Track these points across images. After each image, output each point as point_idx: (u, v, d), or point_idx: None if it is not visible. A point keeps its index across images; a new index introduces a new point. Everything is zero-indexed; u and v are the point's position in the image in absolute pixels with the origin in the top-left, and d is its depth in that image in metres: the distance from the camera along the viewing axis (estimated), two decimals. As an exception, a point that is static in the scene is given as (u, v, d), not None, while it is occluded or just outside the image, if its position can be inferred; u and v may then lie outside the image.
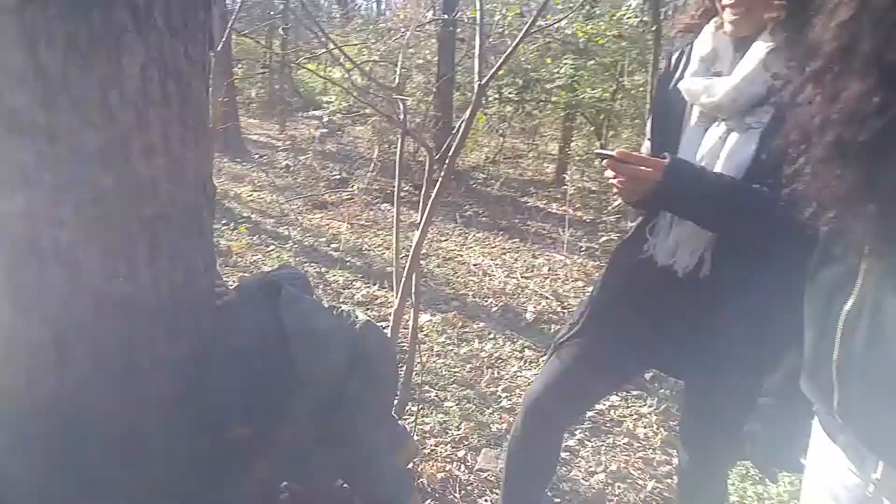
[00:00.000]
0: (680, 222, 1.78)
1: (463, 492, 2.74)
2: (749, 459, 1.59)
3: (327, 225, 6.49)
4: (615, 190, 1.73)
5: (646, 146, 1.92)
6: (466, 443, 3.09)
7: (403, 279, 2.83)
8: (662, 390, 3.60)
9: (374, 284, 4.93)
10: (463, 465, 2.92)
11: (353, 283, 5.05)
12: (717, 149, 1.67)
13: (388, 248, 5.73)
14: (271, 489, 1.99)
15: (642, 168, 1.62)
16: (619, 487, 2.88)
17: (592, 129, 7.07)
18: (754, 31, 1.62)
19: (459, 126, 2.74)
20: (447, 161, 2.67)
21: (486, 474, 2.84)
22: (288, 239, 5.83)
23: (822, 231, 1.22)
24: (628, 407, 3.49)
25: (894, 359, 1.04)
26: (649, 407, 3.47)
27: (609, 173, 1.70)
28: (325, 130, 9.38)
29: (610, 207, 5.85)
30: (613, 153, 1.67)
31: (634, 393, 3.60)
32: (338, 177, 8.28)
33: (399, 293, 2.90)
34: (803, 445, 1.42)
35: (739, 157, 1.63)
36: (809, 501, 1.37)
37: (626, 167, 1.64)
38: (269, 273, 2.06)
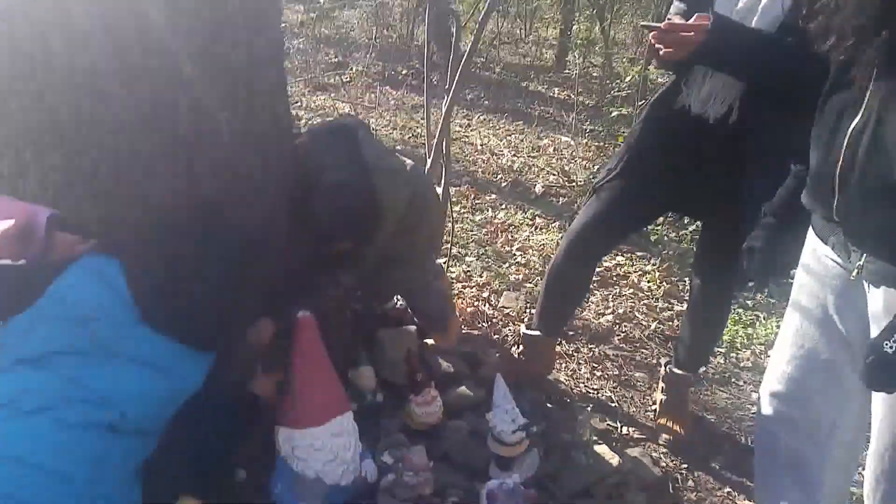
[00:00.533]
0: (713, 75, 1.99)
1: (489, 323, 3.06)
2: (747, 273, 1.87)
3: (332, 106, 6.54)
4: (660, 55, 1.91)
5: (676, 6, 2.08)
6: (489, 287, 3.39)
7: (434, 148, 3.04)
8: (665, 251, 3.90)
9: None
10: (487, 304, 3.24)
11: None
12: (753, 5, 1.85)
13: (395, 129, 5.84)
14: (347, 300, 2.26)
15: (687, 34, 1.80)
16: (625, 326, 3.23)
17: (594, 11, 7.03)
18: None
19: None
20: (477, 28, 2.82)
21: (507, 310, 3.16)
22: (298, 119, 5.90)
23: (835, 63, 1.45)
24: (633, 265, 3.80)
25: (889, 165, 1.29)
26: (653, 265, 3.78)
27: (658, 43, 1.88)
28: (313, 15, 9.19)
29: (613, 92, 5.96)
30: (660, 25, 1.86)
31: (639, 253, 3.91)
32: (335, 60, 8.22)
33: (430, 158, 3.10)
34: (793, 260, 1.71)
35: (772, 13, 1.82)
36: (800, 294, 1.67)
37: (672, 35, 1.83)
38: (337, 119, 2.22)
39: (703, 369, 2.92)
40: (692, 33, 1.79)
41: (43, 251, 1.41)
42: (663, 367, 2.61)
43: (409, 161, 2.30)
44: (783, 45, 1.78)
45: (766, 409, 1.77)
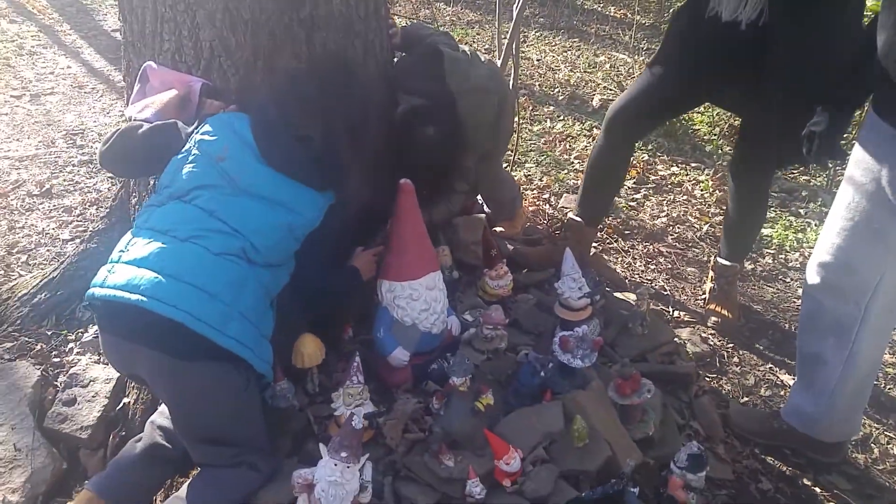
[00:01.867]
0: None
1: (549, 220, 3.27)
2: (807, 156, 2.03)
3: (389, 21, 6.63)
4: None
5: None
6: (549, 190, 3.59)
7: (504, 50, 3.19)
8: (719, 162, 4.02)
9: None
10: (548, 204, 3.45)
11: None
12: None
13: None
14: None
15: None
16: (678, 228, 3.40)
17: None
18: None
19: None
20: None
21: (567, 210, 3.36)
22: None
23: None
24: (687, 174, 3.94)
25: None
26: (706, 175, 3.91)
27: None
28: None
29: (671, 11, 5.90)
30: None
31: (693, 164, 4.03)
32: (390, -21, 8.21)
33: (502, 58, 3.26)
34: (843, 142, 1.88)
35: None
36: (855, 170, 1.83)
37: None
38: (427, 37, 2.35)
39: (751, 266, 3.11)
40: None
41: (196, 114, 1.68)
42: (712, 260, 2.81)
43: (488, 61, 2.46)
44: None
45: (814, 278, 1.95)
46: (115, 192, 2.67)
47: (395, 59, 2.34)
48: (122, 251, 1.59)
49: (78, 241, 3.03)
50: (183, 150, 1.68)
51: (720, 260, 2.72)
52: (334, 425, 1.78)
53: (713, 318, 2.67)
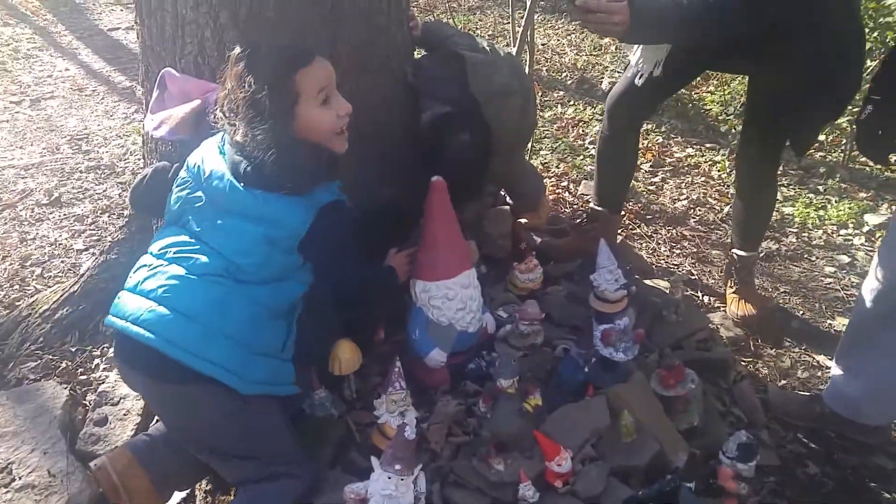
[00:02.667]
0: None
1: (570, 208, 3.23)
2: (859, 147, 1.98)
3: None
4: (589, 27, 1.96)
5: None
6: (567, 177, 3.54)
7: (518, 39, 3.13)
8: (734, 141, 3.97)
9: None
10: (567, 192, 3.40)
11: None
12: None
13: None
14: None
15: (608, 18, 1.81)
16: (699, 210, 3.36)
17: None
18: None
19: None
20: None
21: (586, 197, 3.32)
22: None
23: None
24: (703, 155, 3.89)
25: None
26: (722, 155, 3.87)
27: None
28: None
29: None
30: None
31: (708, 145, 3.98)
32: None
33: (517, 48, 3.20)
34: None
35: None
36: None
37: (594, 16, 1.84)
38: (449, 37, 2.29)
39: (776, 246, 3.07)
40: (615, 18, 1.81)
41: (210, 129, 1.63)
42: (729, 255, 2.73)
43: (507, 55, 2.40)
44: (705, 4, 1.85)
45: (881, 271, 1.88)
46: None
47: (417, 56, 2.29)
48: (129, 276, 1.62)
49: (93, 250, 2.99)
50: (179, 174, 1.67)
51: (735, 252, 2.62)
52: (377, 433, 1.74)
53: (737, 316, 2.59)
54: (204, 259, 1.53)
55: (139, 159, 3.77)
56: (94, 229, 3.21)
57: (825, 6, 1.99)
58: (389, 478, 1.37)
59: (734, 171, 2.54)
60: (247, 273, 1.54)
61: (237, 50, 1.56)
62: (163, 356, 1.46)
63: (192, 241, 1.57)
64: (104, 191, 3.55)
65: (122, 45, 5.63)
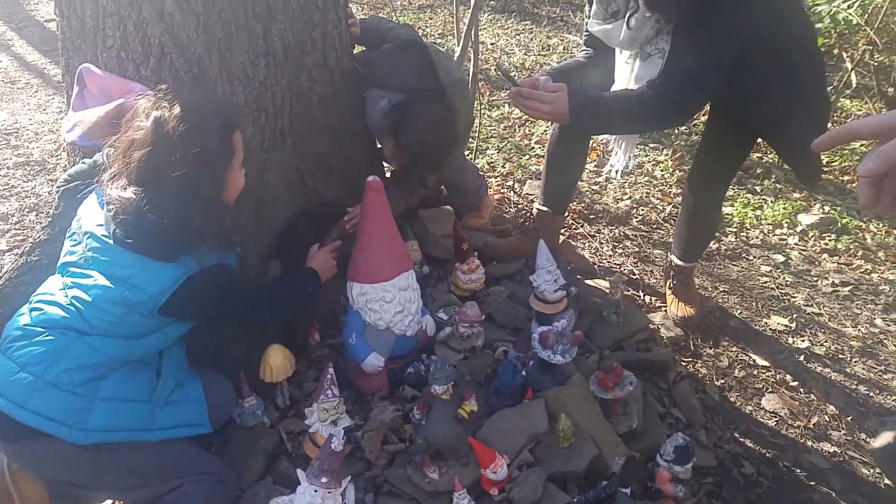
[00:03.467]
0: None
1: (515, 208, 3.23)
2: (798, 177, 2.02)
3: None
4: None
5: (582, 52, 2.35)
6: (512, 177, 3.54)
7: (463, 37, 3.10)
8: (677, 141, 4.04)
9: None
10: (512, 192, 3.40)
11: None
12: (626, 71, 2.08)
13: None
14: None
15: (539, 105, 1.86)
16: (641, 210, 3.40)
17: None
18: None
19: None
20: None
21: (531, 197, 3.32)
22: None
23: None
24: (647, 155, 3.94)
25: None
26: (665, 155, 3.92)
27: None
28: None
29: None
30: (515, 80, 1.91)
31: (652, 144, 4.04)
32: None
33: (461, 45, 3.17)
34: None
35: (643, 76, 1.98)
36: None
37: (528, 102, 1.89)
38: (390, 30, 2.27)
39: (715, 246, 3.13)
40: (545, 108, 1.87)
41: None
42: (667, 260, 2.75)
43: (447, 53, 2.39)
44: (642, 101, 1.91)
45: None
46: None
47: (357, 52, 2.24)
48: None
49: (16, 251, 2.84)
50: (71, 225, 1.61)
51: (674, 259, 2.63)
52: (308, 442, 1.70)
53: (678, 314, 2.62)
54: (56, 312, 1.49)
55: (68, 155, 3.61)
56: (18, 228, 3.05)
57: (786, 56, 1.93)
58: (316, 491, 1.32)
59: (683, 187, 2.51)
60: (93, 327, 1.48)
61: (150, 103, 1.49)
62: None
63: (55, 293, 1.53)
64: (32, 188, 3.38)
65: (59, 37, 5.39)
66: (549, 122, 2.63)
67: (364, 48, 2.28)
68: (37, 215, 3.14)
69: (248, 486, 1.66)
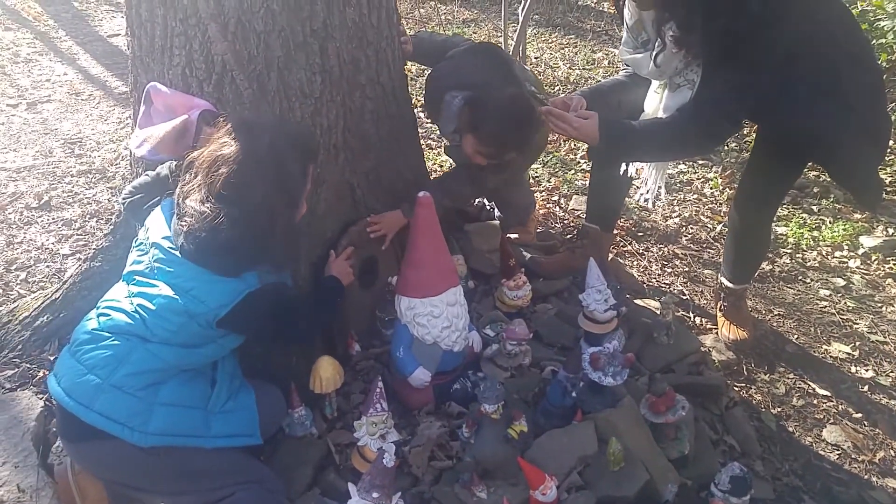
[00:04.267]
0: None
1: (561, 223, 3.20)
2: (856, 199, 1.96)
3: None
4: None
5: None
6: (558, 192, 3.52)
7: (511, 52, 3.10)
8: (727, 159, 3.95)
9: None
10: (558, 206, 3.37)
11: (425, 71, 5.25)
12: (655, 100, 2.09)
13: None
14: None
15: (571, 130, 1.90)
16: (691, 228, 3.33)
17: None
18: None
19: None
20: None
21: (577, 212, 3.29)
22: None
23: None
24: (696, 172, 3.87)
25: None
26: (715, 172, 3.84)
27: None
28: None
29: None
30: (549, 107, 1.94)
31: (701, 161, 3.96)
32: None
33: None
34: None
35: (671, 106, 1.99)
36: None
37: (559, 123, 1.92)
38: (443, 42, 2.36)
39: (769, 267, 3.04)
40: (573, 131, 1.91)
41: (191, 146, 1.60)
42: (716, 282, 2.68)
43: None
44: (673, 126, 1.93)
45: None
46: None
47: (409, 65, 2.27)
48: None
49: (79, 255, 2.95)
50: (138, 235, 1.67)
51: (724, 281, 2.55)
52: (357, 455, 1.70)
53: (728, 340, 2.54)
54: (122, 318, 1.55)
55: (130, 165, 3.74)
56: (81, 234, 3.16)
57: (834, 72, 1.87)
58: (366, 506, 1.33)
59: (732, 213, 2.43)
60: (155, 335, 1.52)
61: (238, 122, 1.55)
62: (65, 412, 1.49)
63: (121, 300, 1.58)
64: (94, 195, 3.50)
65: (120, 51, 5.60)
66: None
67: (419, 63, 2.32)
68: (97, 221, 3.25)
69: (295, 496, 1.67)
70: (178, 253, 1.52)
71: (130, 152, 1.94)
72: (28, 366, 2.15)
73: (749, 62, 1.78)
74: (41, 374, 2.11)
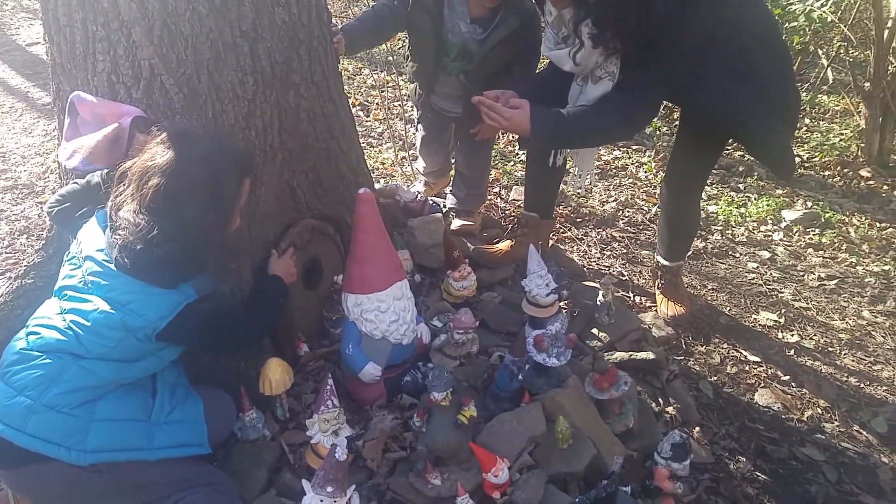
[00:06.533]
0: None
1: (502, 214, 3.27)
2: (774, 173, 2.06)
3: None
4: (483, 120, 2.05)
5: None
6: (498, 183, 3.58)
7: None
8: (659, 143, 4.10)
9: (383, 72, 5.13)
10: (499, 198, 3.44)
11: (362, 70, 5.25)
12: (576, 91, 2.15)
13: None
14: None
15: (502, 120, 1.97)
16: (627, 212, 3.45)
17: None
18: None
19: None
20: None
21: (518, 202, 3.36)
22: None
23: None
24: (630, 157, 4.00)
25: None
26: (648, 157, 3.98)
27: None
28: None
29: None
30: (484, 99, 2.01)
31: (634, 147, 4.10)
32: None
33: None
34: None
35: (593, 98, 2.06)
36: None
37: (491, 113, 1.98)
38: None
39: (702, 244, 3.18)
40: (504, 121, 1.98)
41: (124, 154, 1.57)
42: (653, 260, 2.80)
43: None
44: (597, 114, 2.02)
45: None
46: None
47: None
48: None
49: (8, 275, 2.84)
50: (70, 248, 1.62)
51: (660, 259, 2.67)
52: (311, 453, 1.71)
53: (668, 314, 2.66)
54: (53, 336, 1.50)
55: (58, 177, 3.61)
56: (10, 252, 3.04)
57: (746, 56, 1.97)
58: (322, 500, 1.34)
59: (662, 191, 2.54)
60: (89, 351, 1.49)
61: (173, 132, 1.53)
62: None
63: (52, 317, 1.54)
64: (21, 211, 3.37)
65: (41, 60, 5.37)
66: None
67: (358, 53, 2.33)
68: (27, 238, 3.13)
69: (251, 498, 1.67)
70: (113, 266, 1.49)
71: (60, 165, 1.88)
72: (-40, 390, 2.07)
73: (662, 54, 1.87)
74: (-25, 397, 2.04)
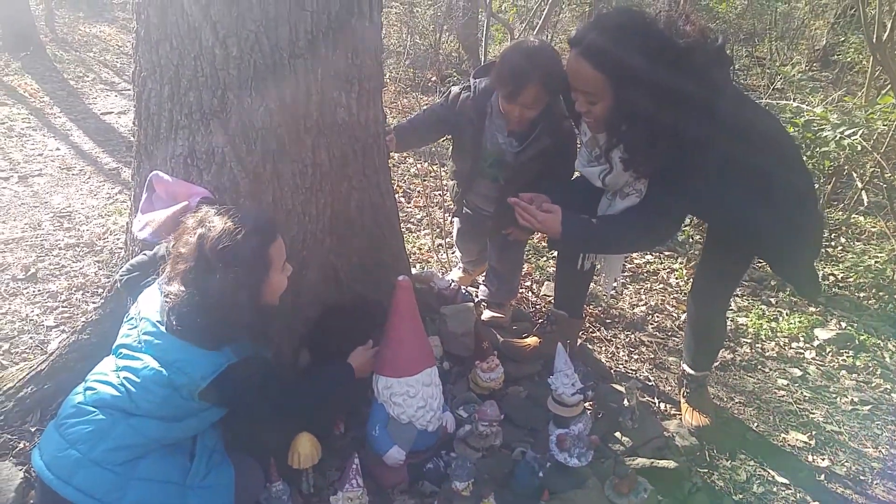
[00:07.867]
0: None
1: (533, 308, 3.34)
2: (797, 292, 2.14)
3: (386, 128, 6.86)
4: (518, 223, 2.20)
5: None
6: (530, 278, 3.68)
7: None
8: (692, 250, 4.17)
9: (426, 162, 5.40)
10: (530, 293, 3.52)
11: (407, 159, 5.52)
12: (606, 206, 2.29)
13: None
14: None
15: (535, 223, 2.11)
16: (657, 317, 3.49)
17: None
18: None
19: None
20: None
21: (549, 298, 3.44)
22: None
23: None
24: (662, 263, 4.07)
25: None
26: (680, 263, 4.05)
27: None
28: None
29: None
30: (521, 202, 2.17)
31: (667, 253, 4.17)
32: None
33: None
34: None
35: (621, 210, 2.20)
36: None
37: (524, 214, 2.13)
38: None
39: (730, 356, 3.19)
40: (536, 224, 2.12)
41: None
42: (680, 368, 2.81)
43: None
44: (624, 224, 2.15)
45: None
46: (111, 281, 2.66)
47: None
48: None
49: (63, 328, 3.00)
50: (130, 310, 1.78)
51: (686, 368, 2.70)
52: (332, 530, 1.75)
53: (691, 426, 2.63)
54: (108, 391, 1.63)
55: (118, 238, 3.84)
56: (66, 306, 3.22)
57: (766, 178, 2.07)
58: (339, 579, 1.38)
59: (689, 305, 2.60)
60: (139, 408, 1.60)
61: (196, 221, 1.65)
62: (44, 486, 1.55)
63: (108, 373, 1.67)
64: (80, 268, 3.58)
65: (112, 128, 5.81)
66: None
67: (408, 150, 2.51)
68: (83, 294, 3.32)
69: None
70: (164, 328, 1.63)
71: (130, 233, 2.05)
72: (9, 437, 2.17)
73: (687, 174, 1.98)
74: (21, 445, 2.14)
